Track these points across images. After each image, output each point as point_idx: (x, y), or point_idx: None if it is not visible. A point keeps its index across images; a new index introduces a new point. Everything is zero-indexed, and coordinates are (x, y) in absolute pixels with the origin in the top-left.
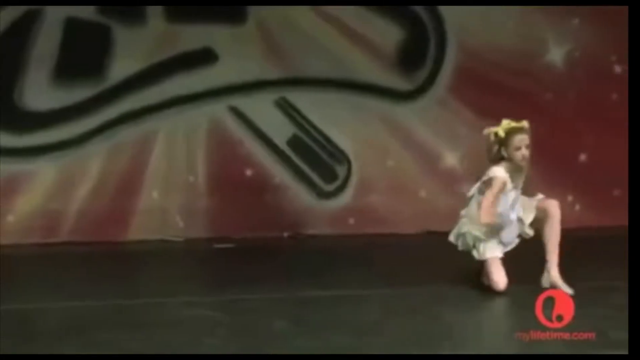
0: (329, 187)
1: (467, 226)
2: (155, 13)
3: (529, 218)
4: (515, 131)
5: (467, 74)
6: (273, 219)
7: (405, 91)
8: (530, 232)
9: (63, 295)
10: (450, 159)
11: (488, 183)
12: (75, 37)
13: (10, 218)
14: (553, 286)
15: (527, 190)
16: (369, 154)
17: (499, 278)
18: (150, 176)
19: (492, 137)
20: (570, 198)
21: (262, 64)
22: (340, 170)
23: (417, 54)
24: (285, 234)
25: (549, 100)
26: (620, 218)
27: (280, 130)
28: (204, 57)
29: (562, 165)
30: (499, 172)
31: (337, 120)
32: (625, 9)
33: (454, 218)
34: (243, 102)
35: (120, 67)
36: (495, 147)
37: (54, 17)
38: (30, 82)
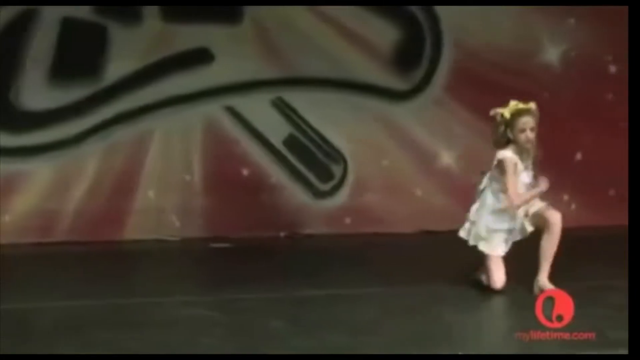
0: (325, 187)
1: (482, 217)
2: (151, 13)
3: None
4: (520, 113)
5: (463, 74)
6: (269, 218)
7: (402, 91)
8: (529, 228)
9: (59, 295)
10: (447, 159)
11: (499, 166)
12: (71, 37)
13: (7, 218)
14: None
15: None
16: (365, 153)
17: (499, 277)
18: (146, 176)
19: (498, 118)
20: (566, 197)
21: (258, 64)
22: (336, 170)
23: (413, 54)
24: (282, 234)
25: (545, 99)
26: (616, 217)
27: (277, 129)
28: (200, 56)
29: (558, 165)
30: (507, 153)
31: (333, 119)
32: (621, 9)
33: (450, 217)
34: (239, 102)
35: (117, 67)
36: (502, 129)
37: (50, 17)
38: (26, 81)
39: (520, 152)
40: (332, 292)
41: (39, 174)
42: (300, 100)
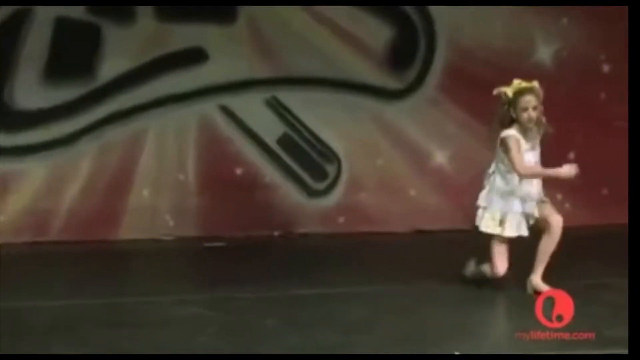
0: (319, 186)
1: (492, 201)
2: (145, 12)
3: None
4: (523, 92)
5: (457, 73)
6: (263, 217)
7: (395, 90)
8: (535, 213)
9: (54, 294)
10: (440, 158)
11: (502, 145)
12: (65, 37)
13: (1, 217)
14: (537, 292)
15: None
16: (359, 152)
17: (501, 264)
18: (140, 175)
19: (502, 98)
20: (559, 196)
21: (252, 63)
22: (330, 169)
23: (407, 54)
24: (276, 233)
25: None
26: (609, 216)
27: (271, 129)
28: (194, 56)
29: (551, 164)
30: (510, 131)
31: (327, 119)
32: (613, 9)
33: (444, 217)
34: (233, 101)
35: (111, 67)
36: (505, 108)
37: (43, 17)
38: (20, 81)
39: (524, 131)
40: (326, 291)
41: (33, 174)
42: (295, 99)
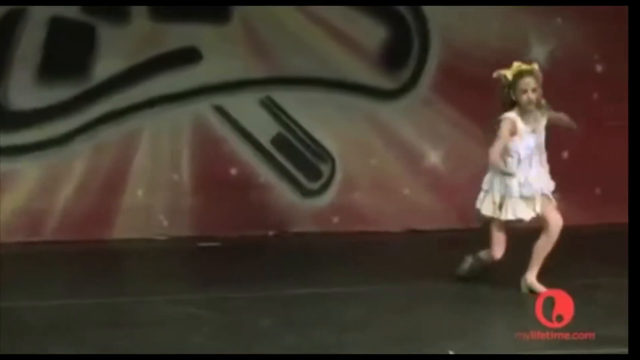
0: (313, 186)
1: (494, 183)
2: (139, 12)
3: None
4: (522, 74)
5: (451, 73)
6: (258, 217)
7: (389, 90)
8: (537, 207)
9: (48, 294)
10: (434, 158)
11: (499, 126)
12: (59, 37)
13: None
14: (531, 290)
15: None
16: (353, 152)
17: (499, 247)
18: (134, 175)
19: (502, 80)
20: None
21: (246, 63)
22: (325, 169)
23: (401, 54)
24: (270, 233)
25: None
26: (601, 216)
27: (265, 129)
28: (189, 56)
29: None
30: (508, 114)
31: (322, 119)
32: (608, 9)
33: (437, 216)
34: (228, 101)
35: (105, 66)
36: (505, 91)
37: (38, 17)
38: (14, 81)
39: (524, 113)
40: (321, 291)
41: (27, 173)
42: (289, 99)
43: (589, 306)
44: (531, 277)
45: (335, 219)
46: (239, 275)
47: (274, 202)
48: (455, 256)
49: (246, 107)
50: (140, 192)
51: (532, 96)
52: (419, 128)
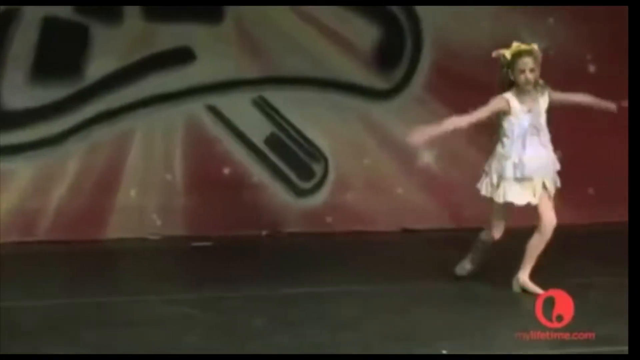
0: (306, 185)
1: (492, 165)
2: (132, 12)
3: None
4: (521, 54)
5: (444, 73)
6: (251, 217)
7: (382, 90)
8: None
9: (41, 294)
10: (427, 157)
11: None
12: (52, 36)
13: None
14: (523, 289)
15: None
16: (346, 152)
17: (498, 228)
18: (127, 175)
19: (501, 60)
20: None
21: (239, 63)
22: (318, 169)
23: (394, 53)
24: (263, 232)
25: None
26: (594, 216)
27: (258, 128)
28: (182, 56)
29: None
30: (505, 94)
31: (315, 118)
32: (599, 9)
33: (431, 216)
34: (221, 101)
35: (98, 66)
36: (504, 71)
37: (31, 17)
38: (7, 81)
39: (522, 93)
40: (315, 290)
41: (20, 173)
42: (282, 99)
43: (584, 305)
44: (524, 276)
45: (329, 219)
46: (233, 274)
47: (267, 201)
48: (448, 255)
49: (239, 106)
50: (133, 192)
51: (530, 76)
52: (412, 128)
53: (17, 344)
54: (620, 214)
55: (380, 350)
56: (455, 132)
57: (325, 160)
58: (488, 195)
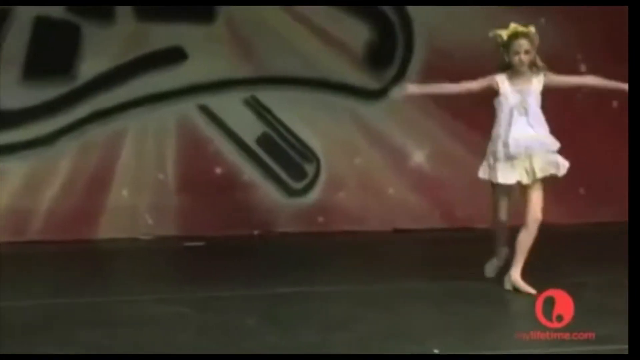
0: (298, 185)
1: (490, 146)
2: (124, 12)
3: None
4: (517, 35)
5: (435, 73)
6: (243, 217)
7: (374, 90)
8: (539, 175)
9: (33, 294)
10: (419, 157)
11: None
12: (44, 36)
13: None
14: (515, 288)
15: None
16: (338, 151)
17: (495, 212)
18: (119, 174)
19: (498, 40)
20: None
21: (231, 63)
22: (309, 169)
23: (386, 53)
24: (255, 232)
25: None
26: (585, 215)
27: (250, 128)
28: (174, 55)
29: None
30: (496, 74)
31: (306, 118)
32: (591, 9)
33: (422, 216)
34: (213, 101)
35: (90, 66)
36: (501, 51)
37: (23, 17)
38: None
39: (516, 75)
40: (306, 290)
41: (12, 173)
42: (274, 99)
43: (582, 305)
44: (515, 273)
45: (320, 219)
46: (225, 274)
47: (259, 201)
48: (440, 255)
49: (231, 106)
50: (125, 192)
51: (524, 58)
52: (403, 127)
53: (8, 344)
54: (611, 214)
55: (373, 349)
56: (447, 132)
57: (317, 160)
58: (486, 177)
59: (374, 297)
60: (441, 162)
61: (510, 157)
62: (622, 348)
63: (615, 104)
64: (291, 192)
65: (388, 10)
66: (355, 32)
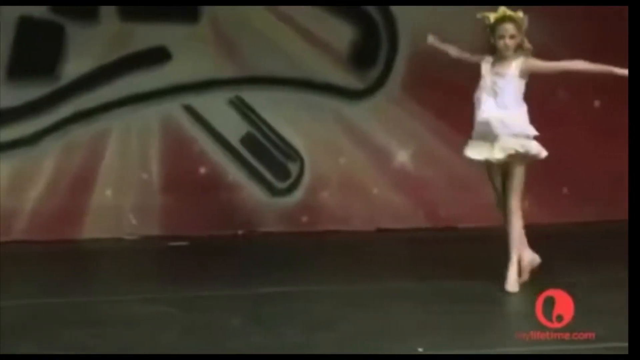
0: (282, 185)
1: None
2: (108, 12)
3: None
4: (504, 19)
5: (420, 73)
6: (227, 216)
7: (358, 90)
8: (498, 155)
9: (17, 294)
10: (402, 157)
11: None
12: (28, 36)
13: None
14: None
15: None
16: (322, 151)
17: (496, 193)
18: (103, 174)
19: (485, 22)
20: None
21: (215, 63)
22: (293, 168)
23: (370, 53)
24: (239, 232)
25: None
26: (568, 215)
27: (234, 128)
28: (158, 56)
29: None
30: (485, 57)
31: (290, 118)
32: (577, 9)
33: (406, 215)
34: (197, 101)
35: (74, 66)
36: (487, 32)
37: (6, 16)
38: None
39: (500, 59)
40: (290, 290)
41: None
42: (258, 99)
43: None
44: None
45: (304, 218)
46: (209, 274)
47: (243, 201)
48: (423, 255)
49: (215, 106)
50: (109, 192)
51: (510, 42)
52: (387, 127)
53: None
54: (595, 213)
55: (357, 349)
56: (431, 132)
57: (301, 160)
58: (468, 155)
59: (359, 297)
60: (425, 162)
61: (478, 136)
62: (622, 347)
63: (597, 103)
64: (275, 192)
65: (372, 10)
66: (340, 32)
